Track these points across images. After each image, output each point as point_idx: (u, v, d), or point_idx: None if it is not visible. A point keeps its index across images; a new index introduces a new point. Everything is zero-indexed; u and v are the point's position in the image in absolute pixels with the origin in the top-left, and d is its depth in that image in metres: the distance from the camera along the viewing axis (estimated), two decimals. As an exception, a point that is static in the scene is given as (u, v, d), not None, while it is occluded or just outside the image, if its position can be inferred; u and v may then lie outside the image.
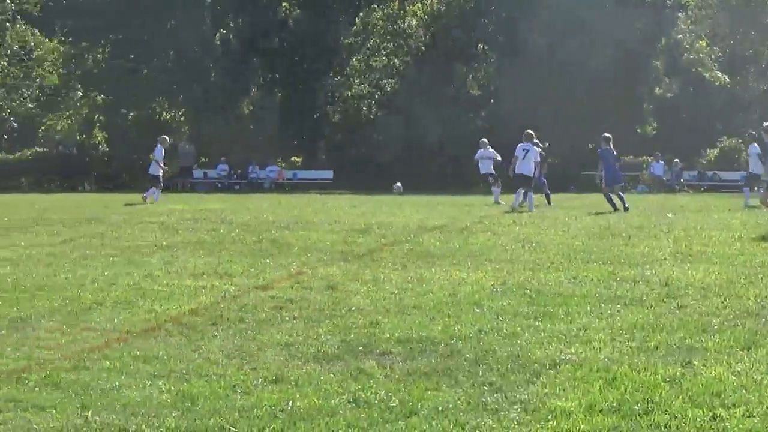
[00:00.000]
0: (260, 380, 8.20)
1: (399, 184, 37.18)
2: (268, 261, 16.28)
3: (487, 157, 35.44)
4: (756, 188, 31.70)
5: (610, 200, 28.94)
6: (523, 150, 30.07)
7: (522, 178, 29.91)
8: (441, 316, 11.12)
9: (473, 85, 59.29)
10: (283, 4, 58.53)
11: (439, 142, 55.16)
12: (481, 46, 60.36)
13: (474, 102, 58.36)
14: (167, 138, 39.43)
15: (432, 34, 59.14)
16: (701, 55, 64.49)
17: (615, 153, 30.47)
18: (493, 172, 35.08)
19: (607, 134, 30.42)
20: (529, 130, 30.68)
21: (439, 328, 10.39)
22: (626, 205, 28.16)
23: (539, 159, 30.63)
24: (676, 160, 55.36)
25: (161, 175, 36.85)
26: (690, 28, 65.28)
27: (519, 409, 7.43)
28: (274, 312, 11.34)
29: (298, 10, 58.54)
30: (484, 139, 36.31)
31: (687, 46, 63.97)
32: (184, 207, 31.58)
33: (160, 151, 36.79)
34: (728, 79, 64.76)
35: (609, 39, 55.10)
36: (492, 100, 58.40)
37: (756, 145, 32.40)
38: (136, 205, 32.83)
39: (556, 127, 52.90)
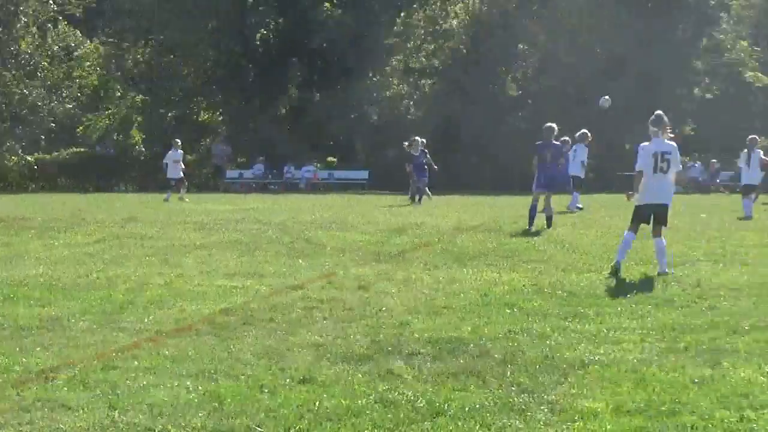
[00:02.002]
0: (288, 380, 8.20)
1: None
2: (301, 261, 16.32)
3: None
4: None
5: None
6: (573, 150, 30.05)
7: (576, 179, 29.98)
8: (471, 316, 11.13)
9: (513, 86, 59.23)
10: (325, 4, 58.46)
11: (477, 143, 55.07)
12: (521, 46, 60.27)
13: (513, 102, 58.25)
14: (179, 141, 39.93)
15: (473, 35, 59.06)
16: (742, 55, 64.27)
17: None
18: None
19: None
20: (585, 131, 30.49)
21: (469, 328, 10.40)
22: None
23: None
24: (713, 160, 55.07)
25: (179, 176, 37.66)
26: (732, 28, 65.08)
27: (546, 410, 7.43)
28: (306, 312, 11.35)
29: (340, 11, 58.48)
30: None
31: (728, 47, 63.75)
32: (221, 207, 31.71)
33: (173, 154, 37.65)
34: (768, 79, 64.57)
35: (651, 39, 54.86)
36: (530, 101, 58.28)
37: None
38: (174, 206, 32.98)
39: (593, 127, 52.64)
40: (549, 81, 57.29)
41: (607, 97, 30.29)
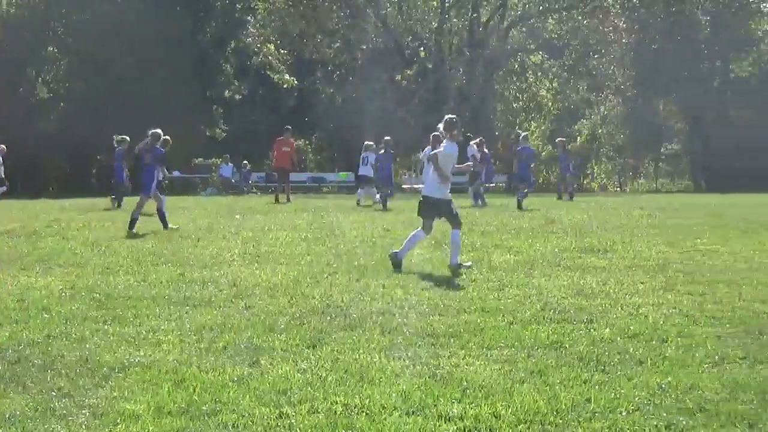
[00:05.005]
0: None
1: None
2: None
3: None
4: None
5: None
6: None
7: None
8: (9, 322, 10.89)
9: (43, 89, 58.12)
10: None
11: (10, 146, 53.53)
12: (51, 48, 59.22)
13: (44, 105, 57.11)
14: None
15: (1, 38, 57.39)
16: (270, 57, 66.15)
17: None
18: None
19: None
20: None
21: (7, 334, 10.18)
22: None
23: None
24: (244, 162, 56.21)
25: None
26: (259, 31, 66.81)
27: (87, 414, 7.41)
28: None
29: None
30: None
31: (256, 50, 65.39)
32: None
33: None
34: (296, 82, 66.87)
35: (180, 42, 55.38)
36: (62, 104, 57.37)
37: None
38: None
39: (131, 128, 52.66)
40: (81, 82, 56.73)
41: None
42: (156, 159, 22.93)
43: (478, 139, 35.00)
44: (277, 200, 36.75)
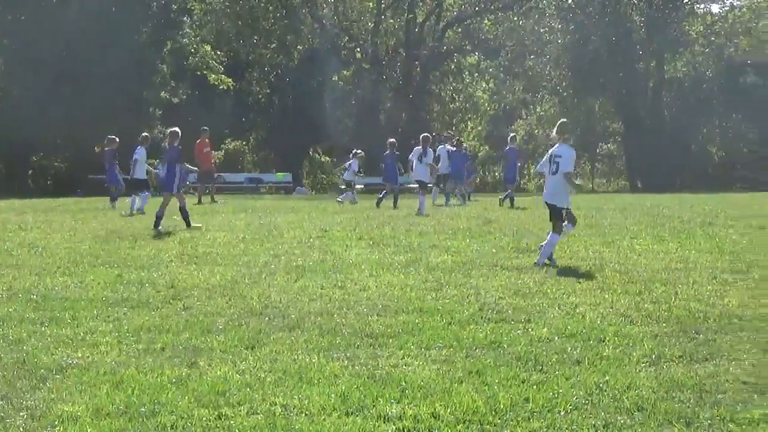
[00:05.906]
0: None
1: None
2: None
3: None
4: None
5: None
6: None
7: None
8: (-57, 324, 10.79)
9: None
10: None
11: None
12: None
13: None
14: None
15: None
16: (207, 58, 65.91)
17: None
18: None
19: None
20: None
21: (-58, 337, 10.09)
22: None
23: None
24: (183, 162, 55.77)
25: None
26: (196, 32, 66.56)
27: (25, 416, 7.39)
28: None
29: None
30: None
31: (193, 51, 65.12)
32: None
33: None
34: (233, 83, 66.68)
35: (117, 43, 55.02)
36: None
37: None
38: None
39: (68, 129, 52.43)
40: (17, 82, 56.41)
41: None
42: (175, 158, 23.21)
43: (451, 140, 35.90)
44: (200, 201, 36.51)
